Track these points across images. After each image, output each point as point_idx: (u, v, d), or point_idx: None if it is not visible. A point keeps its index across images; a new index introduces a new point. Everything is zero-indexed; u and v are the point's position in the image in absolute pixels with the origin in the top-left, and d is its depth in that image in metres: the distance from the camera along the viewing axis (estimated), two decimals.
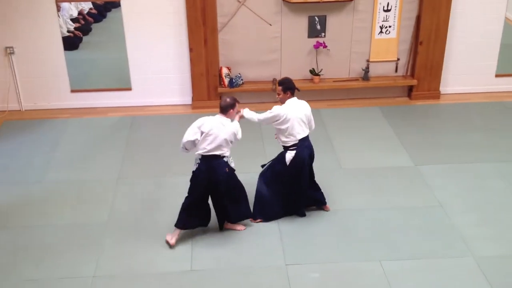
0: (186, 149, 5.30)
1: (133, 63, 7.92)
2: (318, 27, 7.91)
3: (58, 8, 7.59)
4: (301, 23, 7.88)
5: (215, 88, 7.99)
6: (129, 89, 8.08)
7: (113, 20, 7.91)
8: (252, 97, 8.17)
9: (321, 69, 8.08)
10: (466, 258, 5.16)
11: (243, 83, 8.07)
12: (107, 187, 6.19)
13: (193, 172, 5.27)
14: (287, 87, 5.43)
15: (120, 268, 5.07)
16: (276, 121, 5.38)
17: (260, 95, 8.18)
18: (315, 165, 6.59)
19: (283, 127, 5.39)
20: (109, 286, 4.87)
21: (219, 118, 5.18)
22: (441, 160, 6.73)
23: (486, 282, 4.86)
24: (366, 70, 8.11)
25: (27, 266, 5.09)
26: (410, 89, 8.33)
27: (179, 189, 6.10)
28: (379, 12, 7.89)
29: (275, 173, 5.61)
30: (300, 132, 5.43)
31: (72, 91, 8.03)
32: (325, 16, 7.85)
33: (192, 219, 5.35)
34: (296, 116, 5.38)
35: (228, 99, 5.21)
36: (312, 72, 8.07)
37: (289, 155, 5.46)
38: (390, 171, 6.52)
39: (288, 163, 5.48)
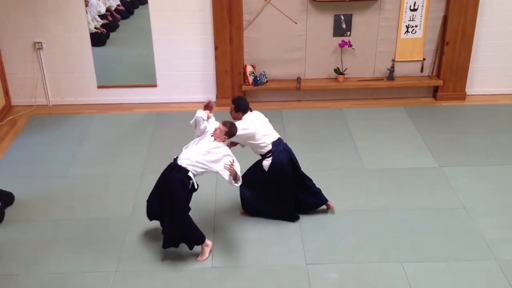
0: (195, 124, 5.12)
1: (159, 60, 8.00)
2: (344, 25, 7.88)
3: (87, 4, 7.70)
4: (327, 21, 7.85)
5: (239, 86, 8.02)
6: (155, 85, 8.16)
7: (140, 17, 7.99)
8: (276, 96, 8.19)
9: (346, 68, 8.04)
10: (488, 261, 5.10)
11: (267, 81, 8.09)
12: (131, 182, 6.27)
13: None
14: (239, 107, 5.25)
15: (142, 263, 5.13)
16: (248, 136, 5.16)
17: (283, 94, 8.19)
18: (338, 165, 6.61)
19: (253, 140, 5.21)
20: (131, 281, 4.94)
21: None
22: (466, 162, 6.65)
23: (508, 285, 4.80)
24: (391, 69, 8.05)
25: (51, 260, 5.18)
26: (436, 89, 8.24)
27: (200, 185, 6.13)
28: (405, 11, 7.81)
29: (258, 178, 5.39)
30: (270, 134, 5.31)
31: (99, 87, 8.14)
32: (351, 14, 7.81)
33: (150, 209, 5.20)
34: (259, 121, 5.27)
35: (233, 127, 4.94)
36: (337, 71, 8.04)
37: (266, 163, 5.33)
38: (413, 172, 6.47)
39: (267, 170, 5.33)
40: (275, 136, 5.38)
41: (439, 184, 6.24)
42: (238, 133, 5.03)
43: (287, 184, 5.42)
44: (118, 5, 8.24)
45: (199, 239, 5.12)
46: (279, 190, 5.45)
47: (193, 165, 4.93)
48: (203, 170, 4.97)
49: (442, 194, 6.06)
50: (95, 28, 7.93)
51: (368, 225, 5.60)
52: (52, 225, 5.62)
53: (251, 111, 5.37)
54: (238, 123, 5.14)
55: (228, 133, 4.97)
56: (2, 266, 5.09)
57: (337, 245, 5.33)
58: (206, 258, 5.14)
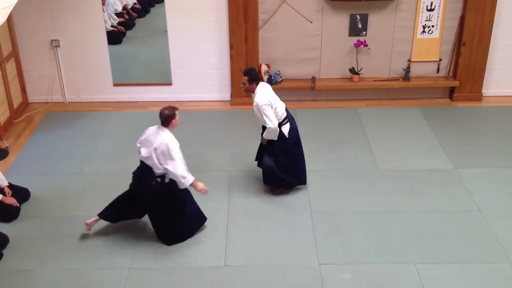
0: None
1: (174, 58, 8.03)
2: (360, 25, 7.84)
3: (103, 2, 7.75)
4: (342, 21, 7.82)
5: None
6: (170, 84, 8.20)
7: (156, 16, 8.03)
8: (291, 95, 8.17)
9: (361, 68, 8.01)
10: (503, 264, 5.05)
11: (282, 80, 8.08)
12: None
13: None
14: (253, 77, 5.56)
15: (155, 261, 5.16)
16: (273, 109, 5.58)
17: (298, 93, 8.17)
18: (352, 165, 6.60)
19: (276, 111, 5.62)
20: (144, 278, 4.97)
21: (156, 128, 5.11)
22: (482, 164, 6.59)
23: None
24: (407, 70, 8.00)
25: (65, 256, 5.23)
26: (452, 90, 8.17)
27: (215, 184, 6.19)
28: (422, 12, 7.76)
29: (279, 150, 5.76)
30: (282, 105, 5.71)
31: (115, 84, 8.20)
32: (367, 14, 7.77)
33: (111, 212, 5.36)
34: (274, 95, 5.65)
35: (166, 111, 5.04)
36: (352, 71, 8.01)
37: (285, 129, 5.72)
38: (428, 173, 6.43)
39: (287, 136, 5.73)
40: (283, 104, 5.76)
41: (454, 186, 6.19)
42: (263, 108, 5.45)
43: (300, 147, 5.93)
44: (135, 4, 8.31)
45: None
46: (297, 154, 5.90)
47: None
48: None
49: (457, 196, 6.01)
50: (112, 26, 7.99)
51: (382, 226, 5.57)
52: (67, 222, 5.67)
53: (263, 80, 5.66)
54: (260, 101, 5.47)
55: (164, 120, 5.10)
56: (17, 262, 5.15)
57: (350, 245, 5.32)
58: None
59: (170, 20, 7.80)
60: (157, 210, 5.24)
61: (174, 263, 5.13)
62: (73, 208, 5.88)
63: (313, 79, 8.04)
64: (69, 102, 8.26)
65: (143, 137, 5.19)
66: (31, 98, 8.24)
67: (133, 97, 8.25)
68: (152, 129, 5.16)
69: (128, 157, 6.84)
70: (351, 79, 8.07)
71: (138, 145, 5.20)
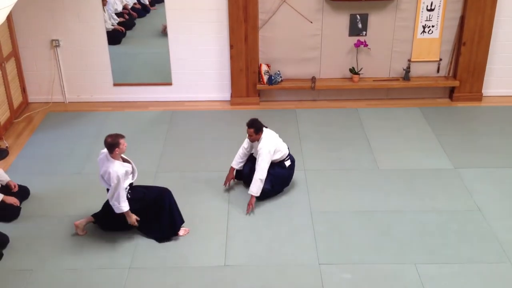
0: None
1: (174, 58, 8.03)
2: (360, 25, 7.84)
3: (104, 3, 7.75)
4: (342, 21, 7.82)
5: (254, 85, 8.02)
6: (170, 84, 8.19)
7: (156, 16, 8.03)
8: (291, 95, 8.18)
9: (361, 68, 8.01)
10: (503, 264, 5.05)
11: (282, 80, 8.08)
12: (145, 180, 6.27)
13: None
14: (258, 128, 5.75)
15: (155, 260, 5.16)
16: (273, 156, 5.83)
17: (298, 93, 8.17)
18: (352, 165, 6.61)
19: (277, 156, 5.89)
20: (144, 277, 4.97)
21: (104, 156, 5.17)
22: (482, 163, 6.59)
23: None
24: (407, 70, 8.00)
25: (66, 255, 5.23)
26: (452, 90, 8.17)
27: (214, 183, 6.21)
28: (422, 12, 7.76)
29: (274, 176, 5.93)
30: (285, 146, 6.00)
31: (115, 84, 8.20)
32: (367, 14, 7.77)
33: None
34: (278, 140, 5.90)
35: (109, 139, 5.07)
36: (352, 71, 8.01)
37: (287, 163, 6.03)
38: (428, 173, 6.43)
39: (287, 166, 6.02)
40: (285, 144, 6.03)
41: (454, 185, 6.19)
42: (265, 157, 5.72)
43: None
44: (135, 3, 8.30)
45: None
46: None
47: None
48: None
49: (457, 196, 6.01)
50: (112, 25, 7.99)
51: (382, 226, 5.57)
52: (67, 221, 5.66)
53: (266, 127, 5.85)
54: (265, 148, 5.71)
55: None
56: (17, 261, 5.15)
57: (350, 245, 5.32)
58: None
59: (170, 20, 7.80)
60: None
61: (174, 263, 5.13)
62: (73, 207, 5.87)
63: (313, 79, 8.04)
64: (69, 102, 8.26)
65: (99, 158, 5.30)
66: (31, 98, 8.24)
67: (133, 97, 8.25)
68: (102, 155, 5.24)
69: (128, 156, 6.79)
70: (351, 79, 8.07)
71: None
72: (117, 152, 5.10)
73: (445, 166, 6.56)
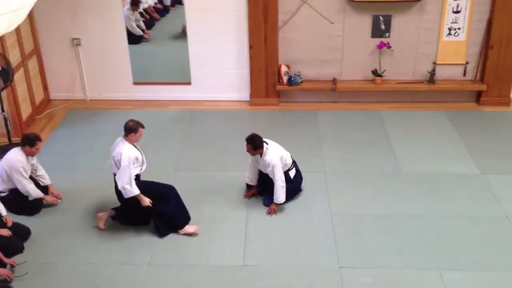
0: None
1: (193, 58, 7.99)
2: (383, 27, 7.71)
3: (136, 8, 7.84)
4: (365, 22, 7.69)
5: (273, 85, 7.93)
6: (189, 83, 8.15)
7: (176, 16, 8.02)
8: (311, 96, 8.07)
9: (384, 70, 7.86)
10: None
11: (302, 81, 7.97)
12: (164, 178, 6.20)
13: None
14: (257, 145, 5.59)
15: (174, 258, 5.12)
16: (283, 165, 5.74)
17: (318, 94, 8.06)
18: (374, 168, 6.50)
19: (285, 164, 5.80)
20: (163, 274, 4.93)
21: (120, 140, 5.25)
22: (510, 169, 6.39)
23: None
24: (432, 72, 7.83)
25: (86, 250, 5.24)
26: (479, 94, 7.97)
27: (234, 184, 6.13)
28: (447, 14, 7.60)
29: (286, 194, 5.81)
30: (288, 154, 5.88)
31: (135, 83, 8.18)
32: (390, 16, 7.64)
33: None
34: (283, 151, 5.79)
35: (130, 123, 5.18)
36: (374, 72, 7.87)
37: (292, 173, 5.89)
38: (454, 178, 6.25)
39: (292, 178, 5.87)
40: (289, 153, 5.90)
41: (481, 191, 6.01)
42: (277, 167, 5.62)
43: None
44: (156, 3, 8.29)
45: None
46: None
47: None
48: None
49: (484, 202, 5.83)
50: (138, 26, 8.01)
51: (405, 230, 5.42)
52: (88, 216, 5.67)
53: (266, 143, 5.66)
54: (274, 161, 5.58)
55: None
56: (38, 255, 5.16)
57: (371, 249, 5.18)
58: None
59: (190, 20, 7.76)
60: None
61: (193, 260, 5.07)
62: (94, 203, 5.88)
63: (334, 81, 7.92)
64: (90, 100, 8.27)
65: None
66: (53, 95, 8.27)
67: (152, 96, 8.22)
68: (117, 140, 5.30)
69: (147, 154, 6.76)
70: (373, 81, 7.93)
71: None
72: (132, 137, 5.17)
73: (472, 171, 6.38)
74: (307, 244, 5.26)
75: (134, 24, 7.96)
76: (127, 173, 5.08)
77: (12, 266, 4.91)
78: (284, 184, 5.65)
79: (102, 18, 7.77)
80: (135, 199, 5.19)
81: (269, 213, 5.68)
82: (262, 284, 4.79)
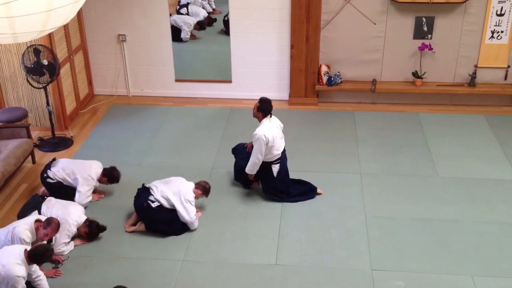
0: None
1: (235, 56, 8.10)
2: (425, 28, 7.65)
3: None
4: (407, 23, 7.65)
5: (313, 85, 7.98)
6: (229, 81, 8.28)
7: (219, 14, 8.15)
8: (350, 97, 8.08)
9: (425, 72, 7.81)
10: None
11: (341, 82, 7.99)
12: (201, 175, 6.37)
13: None
14: (262, 108, 5.63)
15: (208, 255, 5.23)
16: (266, 146, 5.59)
17: (358, 95, 8.07)
18: (410, 171, 6.47)
19: (270, 149, 5.67)
20: (196, 271, 5.05)
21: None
22: None
23: None
24: (473, 75, 7.73)
25: (123, 244, 5.38)
26: None
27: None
28: (491, 16, 7.48)
29: (265, 179, 5.87)
30: (282, 145, 5.78)
31: (176, 80, 8.35)
32: (433, 17, 7.57)
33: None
34: (276, 134, 5.66)
35: (207, 186, 5.68)
36: (415, 74, 7.83)
37: (275, 169, 5.80)
38: (491, 183, 6.20)
39: (275, 176, 5.80)
40: (283, 145, 5.81)
41: None
42: (258, 143, 5.56)
43: (287, 185, 5.94)
44: (205, 17, 8.39)
45: None
46: (280, 190, 5.95)
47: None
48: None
49: None
50: (190, 31, 8.22)
51: (438, 234, 5.42)
52: (126, 211, 5.82)
53: (271, 116, 5.71)
54: (259, 134, 5.56)
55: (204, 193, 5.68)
56: (76, 248, 5.33)
57: (404, 252, 5.20)
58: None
59: (233, 18, 7.87)
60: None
61: (226, 258, 5.18)
62: (132, 198, 5.96)
63: (374, 82, 7.91)
64: (132, 96, 8.48)
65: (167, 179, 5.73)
66: (97, 90, 8.52)
67: (193, 93, 8.38)
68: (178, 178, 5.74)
69: (185, 151, 6.96)
70: (413, 82, 7.89)
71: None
72: (198, 194, 5.67)
73: (509, 176, 6.31)
74: (340, 245, 5.32)
75: (188, 35, 8.16)
76: (190, 209, 5.50)
77: (58, 262, 5.13)
78: (258, 162, 5.65)
79: (148, 15, 7.95)
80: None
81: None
82: (294, 284, 4.87)
